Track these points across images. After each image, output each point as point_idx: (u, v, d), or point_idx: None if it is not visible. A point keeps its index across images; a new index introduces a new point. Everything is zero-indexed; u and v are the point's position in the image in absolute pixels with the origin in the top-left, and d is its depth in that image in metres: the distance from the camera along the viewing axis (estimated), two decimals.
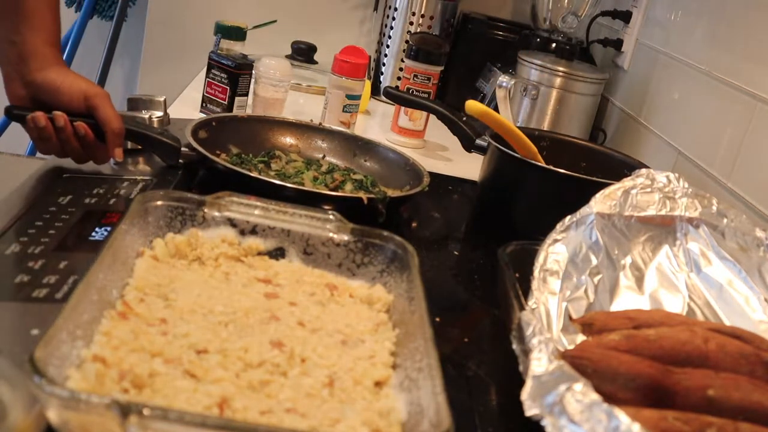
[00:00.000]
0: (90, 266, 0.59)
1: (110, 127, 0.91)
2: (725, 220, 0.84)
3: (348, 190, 1.04)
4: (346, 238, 0.75)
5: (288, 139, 1.19)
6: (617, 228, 0.83)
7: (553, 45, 1.60)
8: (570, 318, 0.73)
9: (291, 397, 0.55)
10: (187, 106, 1.37)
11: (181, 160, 1.00)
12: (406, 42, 1.66)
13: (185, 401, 0.52)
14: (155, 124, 1.11)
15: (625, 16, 1.55)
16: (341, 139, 1.19)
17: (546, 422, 0.53)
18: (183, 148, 1.00)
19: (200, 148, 0.99)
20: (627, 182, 0.85)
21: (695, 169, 1.18)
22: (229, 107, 1.28)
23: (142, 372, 0.53)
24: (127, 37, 2.23)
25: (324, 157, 1.18)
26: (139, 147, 1.02)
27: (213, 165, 0.98)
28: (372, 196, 0.96)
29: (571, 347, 0.65)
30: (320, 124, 1.23)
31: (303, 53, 1.81)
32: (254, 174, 0.99)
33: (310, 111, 1.46)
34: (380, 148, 1.18)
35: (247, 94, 1.30)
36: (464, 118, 1.23)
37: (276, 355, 0.59)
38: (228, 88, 1.27)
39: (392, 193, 1.04)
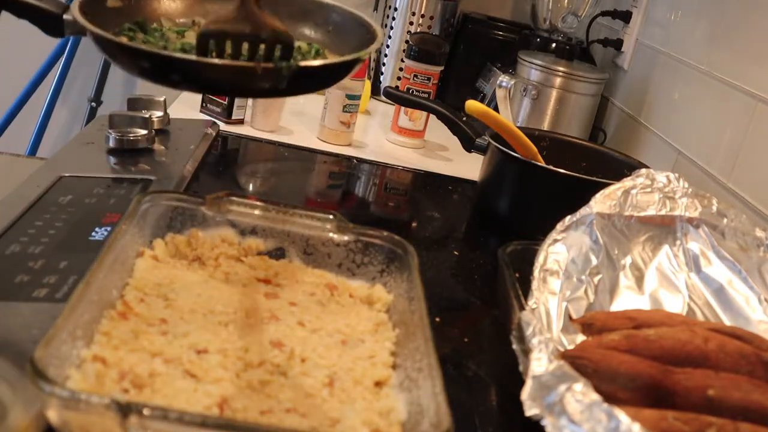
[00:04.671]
0: (90, 266, 0.59)
1: None
2: (725, 220, 0.84)
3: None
4: (346, 238, 0.74)
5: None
6: (617, 228, 0.83)
7: (553, 45, 1.60)
8: (570, 318, 0.73)
9: (291, 397, 0.55)
10: (187, 106, 1.37)
11: (68, 32, 0.75)
12: (406, 42, 1.66)
13: (185, 401, 0.52)
14: (155, 125, 1.11)
15: (625, 16, 1.55)
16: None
17: (546, 422, 0.53)
18: (66, 17, 0.74)
19: (81, 17, 0.66)
20: (627, 182, 0.85)
21: (695, 169, 1.18)
22: (229, 107, 1.28)
23: (142, 372, 0.53)
24: None
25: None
26: (140, 147, 1.02)
27: (96, 37, 0.66)
28: (268, 65, 0.65)
29: (571, 347, 0.65)
30: None
31: None
32: (125, 41, 0.67)
33: (311, 111, 1.46)
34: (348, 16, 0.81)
35: None
36: (464, 118, 1.23)
37: (276, 355, 0.59)
38: None
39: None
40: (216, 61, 0.63)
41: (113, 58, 0.67)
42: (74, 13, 0.68)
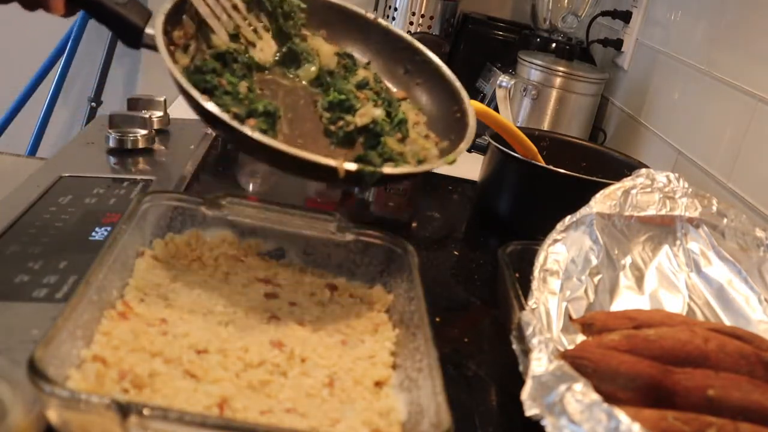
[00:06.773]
0: (90, 266, 0.59)
1: None
2: (725, 220, 0.84)
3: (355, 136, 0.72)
4: (346, 238, 0.74)
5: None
6: (617, 228, 0.83)
7: (553, 45, 1.60)
8: (570, 318, 0.73)
9: (291, 397, 0.55)
10: (187, 106, 1.36)
11: (146, 45, 0.71)
12: None
13: (185, 401, 0.52)
14: (155, 125, 1.11)
15: (625, 16, 1.55)
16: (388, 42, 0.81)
17: (546, 422, 0.53)
18: (148, 30, 0.69)
19: (161, 41, 0.67)
20: (627, 182, 0.85)
21: (695, 169, 1.18)
22: None
23: (142, 372, 0.53)
24: None
25: (369, 64, 0.81)
26: (140, 147, 1.02)
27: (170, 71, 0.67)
28: (354, 169, 0.63)
29: (571, 347, 0.65)
30: (375, 18, 0.82)
31: None
32: (204, 101, 0.68)
33: None
34: (433, 66, 0.82)
35: None
36: None
37: (276, 355, 0.59)
38: None
39: (398, 169, 0.68)
40: (304, 155, 0.61)
41: (191, 106, 0.68)
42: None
